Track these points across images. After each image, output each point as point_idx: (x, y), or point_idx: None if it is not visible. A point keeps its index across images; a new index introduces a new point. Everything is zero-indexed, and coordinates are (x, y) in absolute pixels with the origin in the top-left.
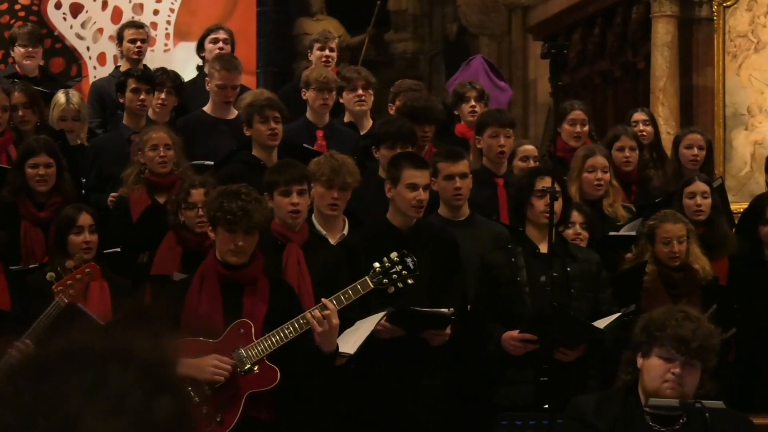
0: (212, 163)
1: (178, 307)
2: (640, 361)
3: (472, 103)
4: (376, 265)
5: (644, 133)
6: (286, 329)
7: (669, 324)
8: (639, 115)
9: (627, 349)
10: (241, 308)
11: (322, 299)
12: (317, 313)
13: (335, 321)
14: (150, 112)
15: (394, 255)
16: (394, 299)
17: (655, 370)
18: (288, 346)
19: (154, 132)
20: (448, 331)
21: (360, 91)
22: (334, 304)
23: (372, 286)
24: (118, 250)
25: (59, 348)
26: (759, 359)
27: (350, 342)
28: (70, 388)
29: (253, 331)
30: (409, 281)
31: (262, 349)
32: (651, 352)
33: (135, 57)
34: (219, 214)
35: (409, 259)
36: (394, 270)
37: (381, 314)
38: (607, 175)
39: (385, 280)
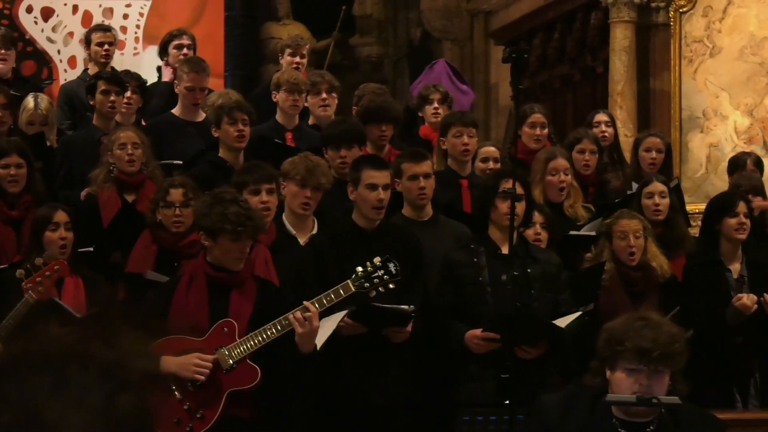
0: (181, 162)
1: (165, 306)
2: (608, 372)
3: (436, 105)
4: (359, 269)
5: (606, 135)
6: (269, 330)
7: (628, 336)
8: (601, 117)
9: (594, 358)
10: (227, 308)
11: (304, 302)
12: (299, 315)
13: (316, 323)
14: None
15: (377, 260)
16: (359, 298)
17: (623, 383)
18: (271, 346)
19: (122, 131)
20: (408, 328)
21: (324, 95)
22: (315, 307)
23: (354, 289)
24: (92, 249)
25: (20, 349)
26: (713, 356)
27: (318, 337)
28: (33, 387)
29: (237, 331)
30: (391, 286)
31: (244, 349)
32: (616, 366)
33: (102, 60)
34: (221, 224)
35: (391, 264)
36: (377, 275)
37: (345, 311)
38: (569, 177)
39: (366, 284)
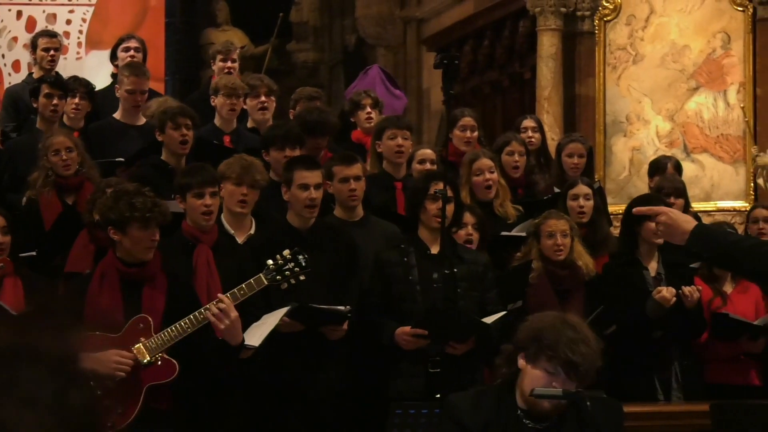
0: (123, 159)
1: (82, 301)
2: (522, 362)
3: (368, 110)
4: (270, 262)
5: (533, 140)
6: (184, 323)
7: (561, 345)
8: (528, 122)
9: (509, 342)
10: (140, 303)
11: (218, 294)
12: (214, 308)
13: (233, 314)
14: (65, 118)
15: (286, 252)
16: (297, 296)
17: (538, 380)
18: (188, 339)
19: (54, 137)
20: (344, 327)
21: (263, 98)
22: (229, 299)
23: (266, 282)
24: (34, 254)
25: None
26: (630, 351)
27: (256, 335)
28: None
29: (152, 326)
30: (301, 277)
31: (161, 343)
32: (537, 363)
33: (48, 65)
34: (130, 213)
35: (300, 257)
36: (287, 267)
37: (284, 309)
38: (495, 175)
39: (278, 277)
